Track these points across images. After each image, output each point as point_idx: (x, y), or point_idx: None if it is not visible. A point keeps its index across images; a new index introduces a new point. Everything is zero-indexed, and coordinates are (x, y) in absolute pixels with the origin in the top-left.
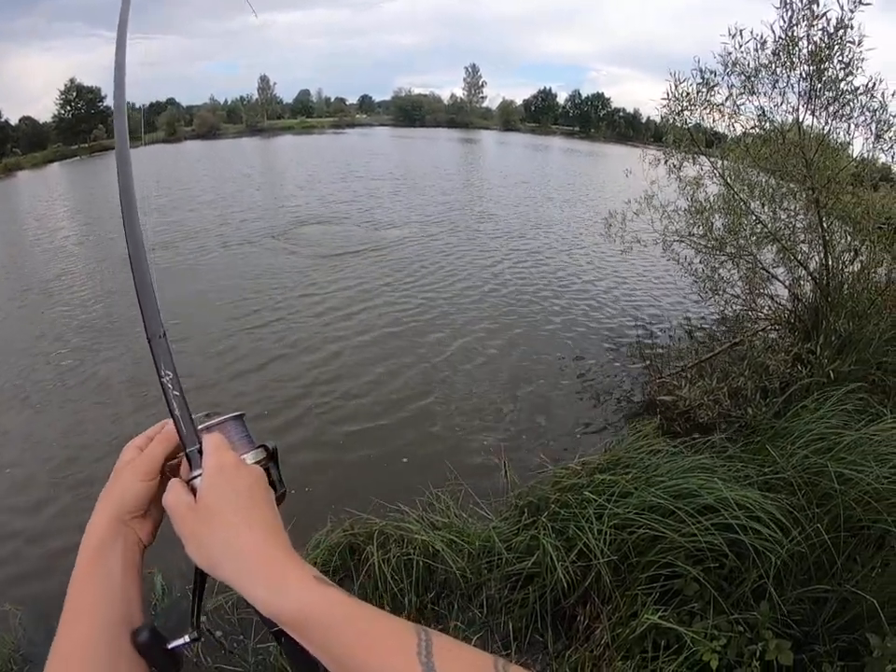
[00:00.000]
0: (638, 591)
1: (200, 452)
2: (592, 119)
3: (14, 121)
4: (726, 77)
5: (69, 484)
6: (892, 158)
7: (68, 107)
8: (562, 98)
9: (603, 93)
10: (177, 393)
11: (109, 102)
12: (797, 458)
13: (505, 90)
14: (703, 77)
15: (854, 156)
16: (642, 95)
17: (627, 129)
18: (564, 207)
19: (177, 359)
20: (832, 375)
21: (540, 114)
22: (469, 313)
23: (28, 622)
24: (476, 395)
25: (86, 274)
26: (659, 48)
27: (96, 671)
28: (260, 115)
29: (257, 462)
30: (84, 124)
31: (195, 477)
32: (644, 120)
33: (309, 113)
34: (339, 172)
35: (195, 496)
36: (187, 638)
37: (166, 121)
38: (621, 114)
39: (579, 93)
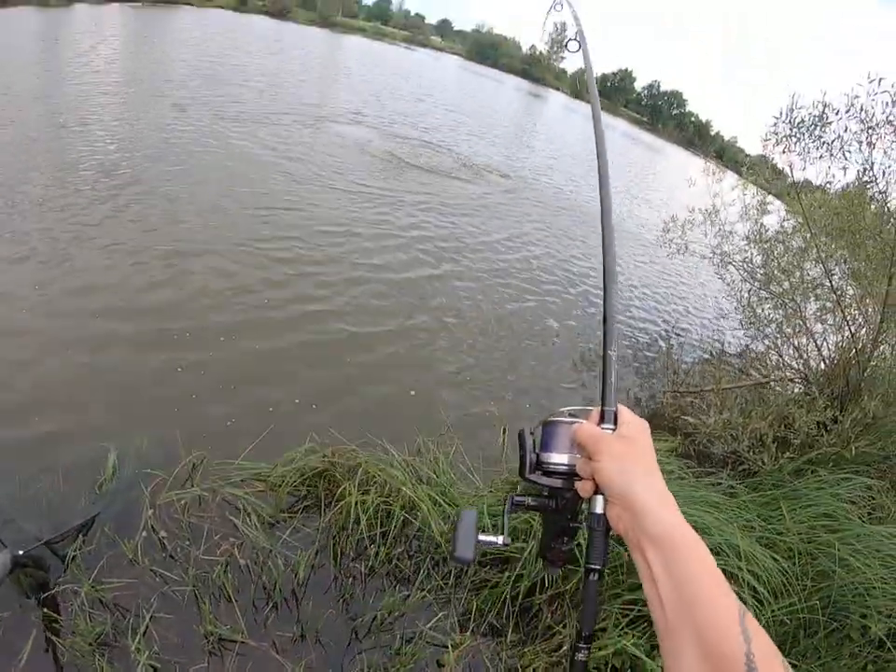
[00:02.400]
0: (614, 609)
1: (614, 414)
2: (662, 114)
3: None
4: (844, 120)
5: None
6: None
7: None
8: (639, 84)
9: (682, 93)
10: (616, 367)
11: None
12: (804, 526)
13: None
14: (823, 110)
15: None
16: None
17: (694, 135)
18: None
19: None
20: (853, 451)
21: (614, 92)
22: (513, 281)
23: None
24: (497, 360)
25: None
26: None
27: None
28: (336, 8)
29: None
30: None
31: (606, 428)
32: (713, 133)
33: (385, 20)
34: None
35: None
36: (500, 540)
37: None
38: (692, 119)
39: (658, 84)
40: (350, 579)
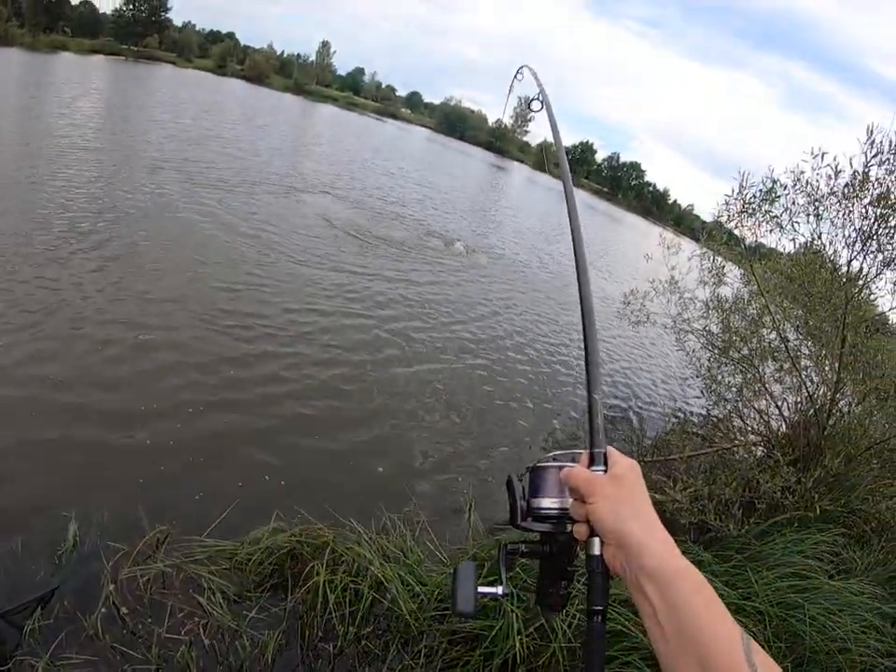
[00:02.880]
0: None
1: (603, 455)
2: (622, 185)
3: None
4: (792, 194)
5: None
6: None
7: (131, 6)
8: (599, 157)
9: (640, 164)
10: (601, 409)
11: (172, 14)
12: (771, 588)
13: (549, 131)
14: (771, 186)
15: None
16: (672, 178)
17: (652, 204)
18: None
19: None
20: (818, 511)
21: (575, 164)
22: (465, 360)
23: None
24: (465, 437)
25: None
26: (700, 138)
27: None
28: (311, 77)
29: None
30: (140, 27)
31: (596, 470)
32: (670, 202)
33: (357, 91)
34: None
35: None
36: (500, 590)
37: (219, 52)
38: (650, 188)
39: (618, 157)
40: (319, 659)
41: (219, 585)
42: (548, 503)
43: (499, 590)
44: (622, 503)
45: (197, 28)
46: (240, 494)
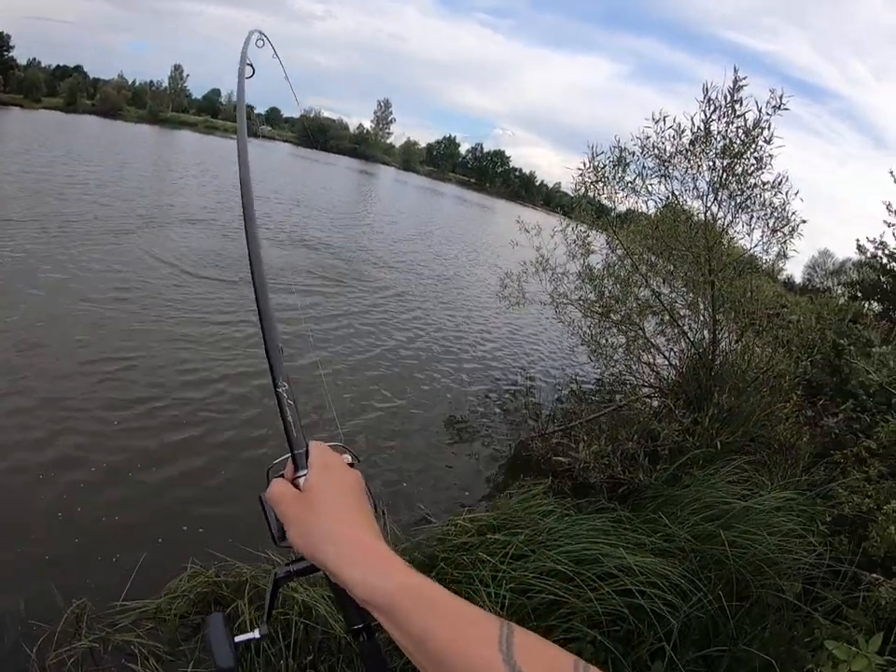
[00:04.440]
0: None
1: (306, 455)
2: (489, 174)
3: None
4: (641, 159)
5: None
6: (784, 253)
7: None
8: (464, 149)
9: (504, 151)
10: (291, 402)
11: (15, 53)
12: (687, 525)
13: (412, 130)
14: (620, 155)
15: (750, 246)
16: (539, 160)
17: (521, 188)
18: (449, 260)
19: None
20: (719, 446)
21: (441, 160)
22: (348, 359)
23: None
24: (352, 439)
25: None
26: (562, 120)
27: None
28: (166, 104)
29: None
30: None
31: (299, 476)
32: (538, 183)
33: (215, 113)
34: None
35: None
36: (256, 634)
37: (68, 88)
38: (517, 173)
39: (481, 147)
40: None
41: (150, 648)
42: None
43: (256, 633)
44: (311, 526)
45: (42, 65)
46: (148, 547)
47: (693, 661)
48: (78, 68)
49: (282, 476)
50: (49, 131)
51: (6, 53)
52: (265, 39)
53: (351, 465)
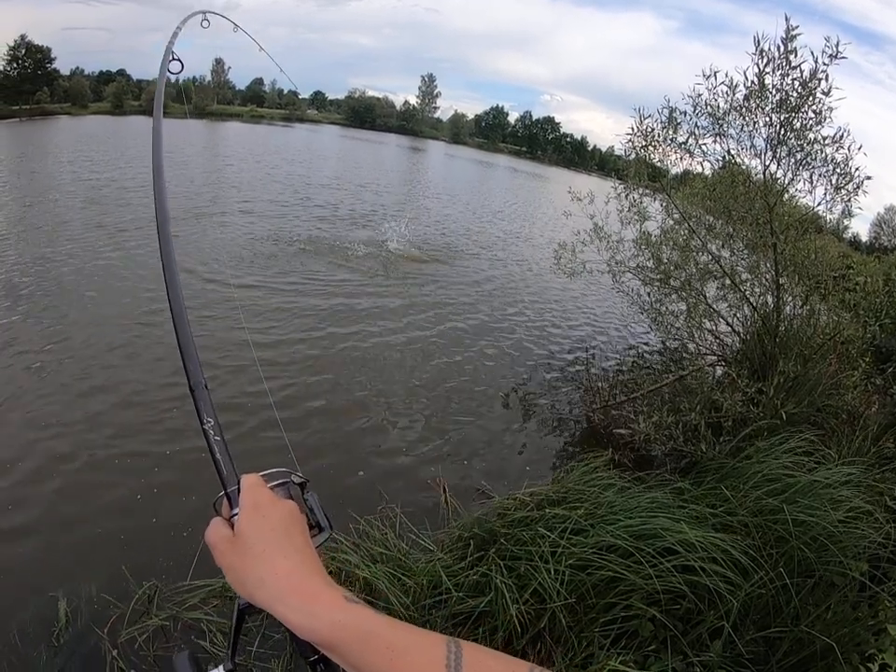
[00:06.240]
0: (595, 633)
1: (238, 491)
2: (540, 142)
3: None
4: (694, 118)
5: None
6: (849, 211)
7: (14, 65)
8: (513, 118)
9: (554, 117)
10: (218, 438)
11: (58, 64)
12: (751, 500)
13: (458, 102)
14: (669, 115)
15: (813, 205)
16: (590, 124)
17: (573, 154)
18: (509, 233)
19: None
20: (784, 417)
21: (490, 130)
22: (407, 332)
23: None
24: (414, 418)
25: None
26: (611, 81)
27: None
28: (211, 98)
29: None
30: (28, 84)
31: (234, 515)
32: (590, 149)
33: (260, 102)
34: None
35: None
36: (222, 669)
37: (113, 92)
38: (568, 139)
39: (530, 115)
40: None
41: (218, 626)
42: None
43: (221, 669)
44: (243, 574)
45: (86, 73)
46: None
47: (751, 641)
48: (121, 72)
49: (220, 516)
50: (99, 135)
51: (48, 66)
52: (209, 20)
53: (301, 485)
